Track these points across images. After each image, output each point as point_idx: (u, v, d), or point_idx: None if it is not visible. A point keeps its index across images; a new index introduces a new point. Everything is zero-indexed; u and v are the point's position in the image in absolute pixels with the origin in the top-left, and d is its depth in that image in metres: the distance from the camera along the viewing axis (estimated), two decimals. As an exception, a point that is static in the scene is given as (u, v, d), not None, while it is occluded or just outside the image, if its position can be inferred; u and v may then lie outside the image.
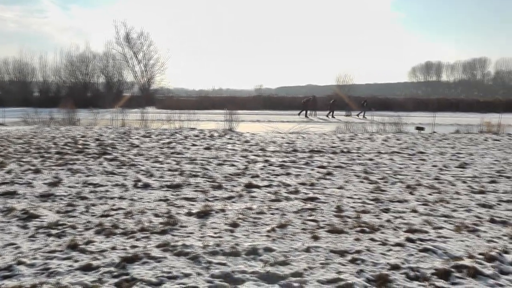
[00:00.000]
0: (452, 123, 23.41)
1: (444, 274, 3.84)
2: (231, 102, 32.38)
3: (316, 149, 11.69)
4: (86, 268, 3.82)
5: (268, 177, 7.93)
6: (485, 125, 19.40)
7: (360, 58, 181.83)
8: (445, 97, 54.45)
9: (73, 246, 4.31)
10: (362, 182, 7.68)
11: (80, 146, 11.37)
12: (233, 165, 9.04)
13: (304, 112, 31.52)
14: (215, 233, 4.81)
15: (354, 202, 6.24)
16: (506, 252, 4.39)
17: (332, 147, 12.32)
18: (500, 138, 15.71)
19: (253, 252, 4.22)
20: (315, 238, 4.69)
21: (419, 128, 19.30)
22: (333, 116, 30.66)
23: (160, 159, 9.62)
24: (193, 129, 17.46)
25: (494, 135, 16.95)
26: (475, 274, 3.85)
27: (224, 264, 3.94)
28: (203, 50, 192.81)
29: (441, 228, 5.16)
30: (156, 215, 5.44)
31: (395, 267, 3.95)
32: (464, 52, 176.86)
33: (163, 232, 4.80)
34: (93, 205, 5.89)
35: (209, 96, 53.29)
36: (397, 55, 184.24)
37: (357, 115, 31.58)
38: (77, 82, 48.79)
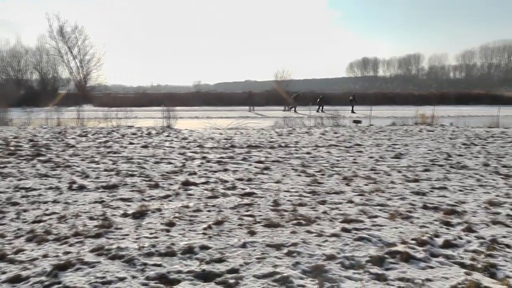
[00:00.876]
0: (389, 116, 24.44)
1: (378, 261, 3.97)
2: (169, 99, 32.11)
3: (254, 145, 11.75)
4: (15, 280, 3.56)
5: (205, 174, 7.88)
6: (420, 117, 20.44)
7: (299, 54, 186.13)
8: (382, 91, 56.84)
9: (0, 257, 4.01)
10: (299, 175, 7.79)
11: (12, 148, 10.72)
12: (170, 163, 8.90)
13: (294, 107, 32.20)
14: (151, 233, 4.70)
15: (291, 196, 6.31)
16: (437, 236, 4.63)
17: (270, 142, 12.44)
18: (434, 129, 16.61)
19: (189, 251, 4.16)
20: (252, 233, 4.69)
21: (357, 121, 19.96)
22: (322, 111, 31.05)
23: (96, 159, 9.30)
24: (130, 127, 17.14)
25: (428, 126, 17.92)
26: (408, 258, 4.02)
27: (159, 265, 3.86)
28: (141, 46, 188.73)
29: (376, 217, 5.34)
30: (91, 218, 5.23)
31: (330, 257, 4.03)
32: (399, 49, 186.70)
33: (97, 236, 4.62)
34: (25, 210, 5.56)
35: (148, 93, 52.64)
36: (335, 52, 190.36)
37: (351, 111, 32.21)
38: (9, 79, 46.37)
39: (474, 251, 4.25)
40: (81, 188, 6.78)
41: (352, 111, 31.20)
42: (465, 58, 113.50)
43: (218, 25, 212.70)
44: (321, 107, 32.00)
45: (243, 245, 4.32)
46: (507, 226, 5.07)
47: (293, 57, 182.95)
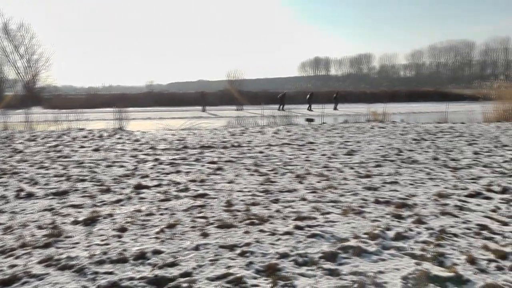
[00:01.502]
0: (341, 114, 25.01)
1: (331, 256, 4.05)
2: (121, 100, 31.56)
3: (206, 145, 11.69)
4: None
5: (158, 176, 7.77)
6: (372, 114, 21.01)
7: (252, 54, 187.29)
8: (334, 89, 57.82)
9: None
10: (252, 175, 7.81)
11: (-51, 157, 10.09)
12: (122, 166, 8.71)
13: (281, 106, 32.45)
14: (102, 240, 4.57)
15: (244, 196, 6.31)
16: (389, 229, 4.77)
17: (223, 141, 12.42)
18: (385, 126, 17.11)
19: (141, 257, 4.09)
20: (205, 235, 4.66)
21: (309, 120, 20.28)
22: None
23: (46, 165, 8.94)
24: (81, 129, 16.64)
25: (380, 123, 18.43)
26: (360, 252, 4.13)
27: (111, 273, 3.76)
28: (92, 45, 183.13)
29: (329, 213, 5.43)
30: (40, 227, 5.01)
31: (284, 256, 4.07)
32: (351, 48, 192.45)
33: (46, 246, 4.42)
34: (-34, 223, 5.23)
35: (99, 94, 51.69)
36: (288, 51, 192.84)
37: (334, 108, 32.86)
38: None
39: (424, 242, 4.41)
40: (29, 195, 6.49)
41: (335, 108, 32.50)
42: (414, 58, 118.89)
43: (171, 23, 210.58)
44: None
45: (196, 248, 4.28)
46: (455, 216, 5.30)
47: (247, 56, 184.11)
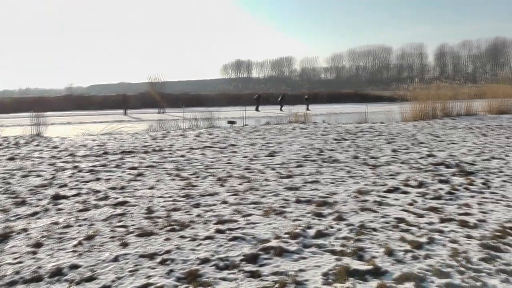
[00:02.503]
0: (263, 116, 25.39)
1: (252, 258, 4.07)
2: (39, 103, 30.41)
3: (128, 150, 11.39)
4: None
5: (77, 185, 7.44)
6: (294, 115, 21.53)
7: (175, 57, 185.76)
8: (256, 92, 58.68)
9: None
10: (173, 179, 7.70)
11: None
12: (39, 176, 8.22)
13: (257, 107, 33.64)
14: (14, 258, 4.24)
15: (165, 201, 6.20)
16: (309, 228, 4.89)
17: (144, 146, 12.16)
18: (307, 127, 17.59)
19: (57, 273, 3.86)
20: (124, 245, 4.51)
21: (231, 122, 20.43)
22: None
23: None
24: (-5, 137, 15.46)
25: (302, 124, 18.92)
26: (281, 252, 4.19)
27: None
28: (6, 45, 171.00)
29: (250, 215, 5.46)
30: None
31: (205, 261, 4.04)
32: (272, 51, 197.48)
33: None
34: None
35: (15, 97, 49.87)
36: (211, 53, 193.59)
37: (306, 109, 33.36)
38: None
39: (344, 238, 4.57)
40: None
41: (307, 109, 33.06)
42: (334, 61, 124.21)
43: (90, 21, 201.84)
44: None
45: (115, 259, 4.13)
46: (374, 211, 5.56)
47: (169, 58, 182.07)
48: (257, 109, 34.60)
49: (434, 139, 13.06)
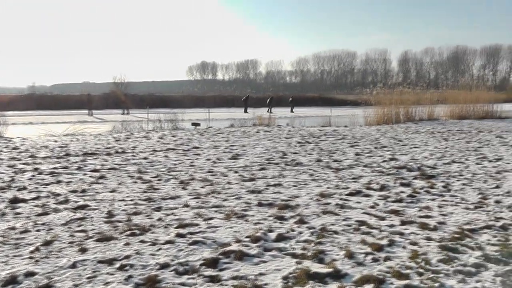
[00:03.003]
0: (228, 118, 25.38)
1: (212, 263, 4.03)
2: None
3: (90, 152, 11.18)
4: None
5: (36, 188, 7.23)
6: (258, 118, 21.61)
7: (141, 56, 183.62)
8: (221, 94, 58.91)
9: None
10: (135, 182, 7.60)
11: None
12: None
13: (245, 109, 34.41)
14: None
15: (126, 205, 6.10)
16: (271, 231, 4.89)
17: (107, 148, 11.96)
18: (271, 130, 17.71)
19: (11, 281, 3.71)
20: (83, 250, 4.39)
21: (195, 124, 20.34)
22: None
23: None
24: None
25: (266, 127, 19.03)
26: (241, 256, 4.16)
27: None
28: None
29: (211, 218, 5.43)
30: None
31: (164, 266, 3.98)
32: (238, 54, 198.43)
33: None
34: None
35: None
36: (178, 53, 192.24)
37: (291, 111, 33.77)
38: None
39: (305, 241, 4.60)
40: None
41: (292, 111, 34.63)
42: (299, 65, 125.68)
43: (57, 22, 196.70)
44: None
45: (73, 265, 4.01)
46: (336, 214, 5.61)
47: (135, 58, 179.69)
48: (245, 111, 34.86)
49: (397, 143, 13.35)
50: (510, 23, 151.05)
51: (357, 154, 10.85)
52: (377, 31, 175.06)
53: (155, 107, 32.27)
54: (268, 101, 36.69)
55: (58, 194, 6.77)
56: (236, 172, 8.48)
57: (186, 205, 6.05)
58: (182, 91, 65.42)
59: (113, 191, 7.00)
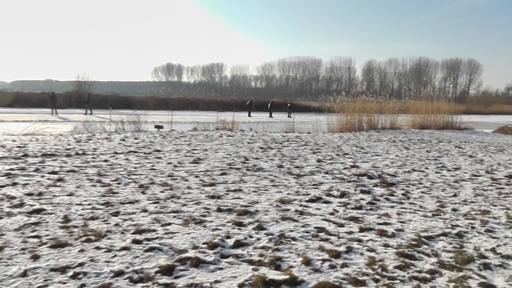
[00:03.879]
0: (191, 121, 25.23)
1: (168, 270, 3.96)
2: None
3: (49, 153, 10.81)
4: None
5: None
6: (221, 122, 21.55)
7: (103, 55, 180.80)
8: (185, 96, 58.63)
9: None
10: (94, 186, 7.40)
11: None
12: None
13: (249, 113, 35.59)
14: None
15: (83, 209, 5.92)
16: (229, 237, 4.85)
17: (67, 149, 11.62)
18: (234, 134, 17.66)
19: None
20: (35, 257, 4.22)
21: (158, 127, 20.15)
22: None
23: None
24: None
25: (229, 132, 18.99)
26: (198, 263, 4.11)
27: None
28: None
29: (169, 224, 5.34)
30: None
31: (119, 274, 3.88)
32: (204, 57, 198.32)
33: None
34: None
35: None
36: (144, 54, 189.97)
37: (288, 116, 35.22)
38: None
39: (262, 247, 4.58)
40: None
41: (289, 116, 35.21)
42: (265, 70, 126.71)
43: (20, 17, 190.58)
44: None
45: (24, 274, 3.84)
46: (295, 220, 5.63)
47: (100, 57, 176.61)
48: (249, 115, 34.99)
49: (359, 150, 13.54)
50: (469, 39, 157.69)
51: (318, 160, 10.94)
52: (342, 40, 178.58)
53: (119, 108, 31.89)
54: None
55: (13, 197, 6.51)
56: (196, 176, 8.40)
57: (145, 210, 5.93)
58: (147, 92, 64.67)
59: (70, 194, 6.79)
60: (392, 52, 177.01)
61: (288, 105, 42.57)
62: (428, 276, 4.02)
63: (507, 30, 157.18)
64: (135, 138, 14.96)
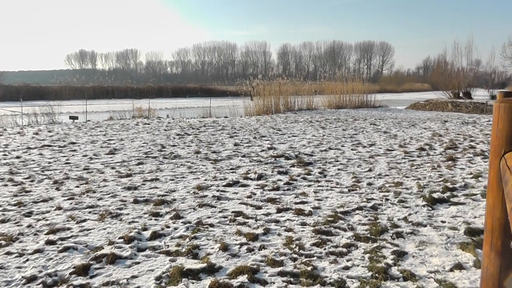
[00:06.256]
0: (107, 110, 24.28)
1: (83, 270, 3.77)
2: None
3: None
4: None
5: None
6: (137, 110, 20.97)
7: (12, 43, 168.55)
8: (100, 84, 56.48)
9: None
10: (6, 185, 6.91)
11: None
12: None
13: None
14: None
15: (-7, 212, 5.49)
16: (145, 229, 4.73)
17: (-27, 147, 10.73)
18: (150, 122, 17.29)
19: None
20: None
21: (73, 118, 19.21)
22: None
23: None
24: None
25: (145, 119, 18.56)
26: (114, 260, 3.96)
27: None
28: None
29: (85, 220, 5.11)
30: None
31: (31, 279, 3.62)
32: (118, 43, 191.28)
33: None
34: None
35: None
36: (52, 41, 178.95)
37: None
38: None
39: (180, 237, 4.52)
40: None
41: None
42: (180, 55, 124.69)
43: None
44: None
45: None
46: (213, 206, 5.61)
47: (8, 44, 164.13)
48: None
49: (276, 132, 13.74)
50: (381, 23, 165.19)
51: (236, 144, 10.97)
52: (255, 24, 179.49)
53: (32, 99, 29.96)
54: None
55: None
56: (113, 168, 8.10)
57: (59, 208, 5.62)
58: (60, 81, 61.22)
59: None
60: (307, 36, 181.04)
61: None
62: (344, 250, 4.15)
63: (416, 14, 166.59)
64: (49, 131, 14.21)
